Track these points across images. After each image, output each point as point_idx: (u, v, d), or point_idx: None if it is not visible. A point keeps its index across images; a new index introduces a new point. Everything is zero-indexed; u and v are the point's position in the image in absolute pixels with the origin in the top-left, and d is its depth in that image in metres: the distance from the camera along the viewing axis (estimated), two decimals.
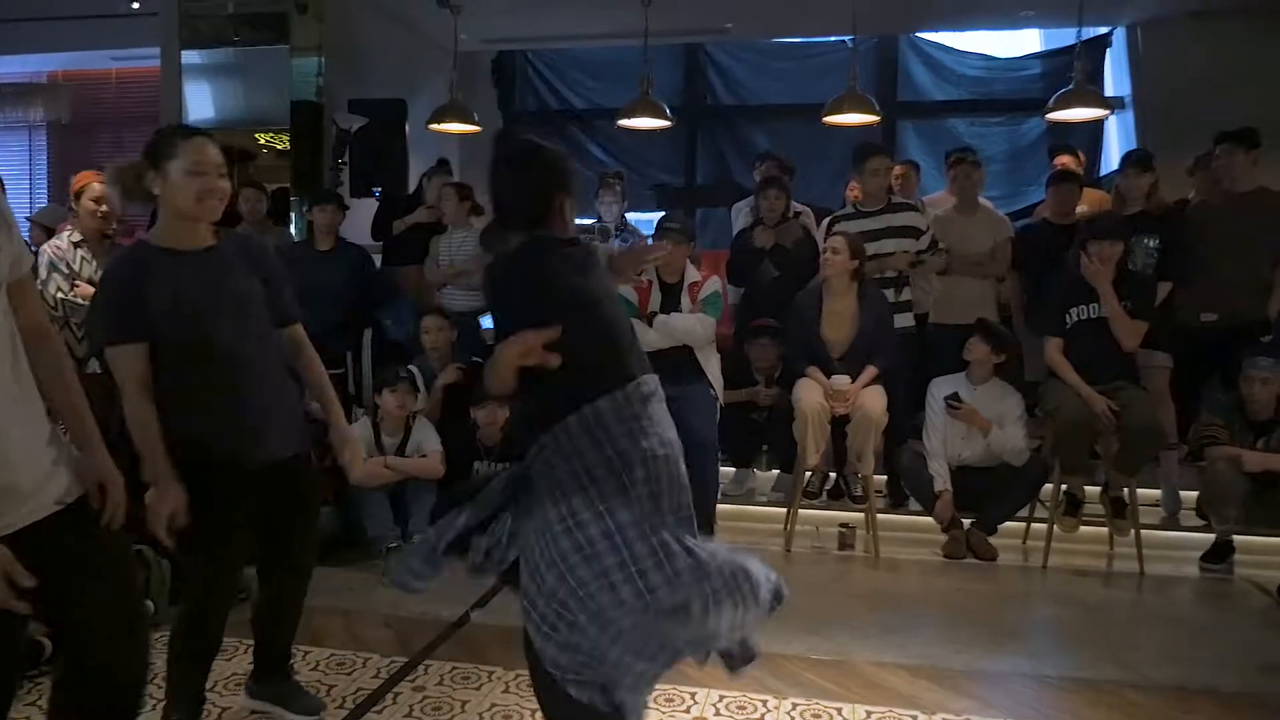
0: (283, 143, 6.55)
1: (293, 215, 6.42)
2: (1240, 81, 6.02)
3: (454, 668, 3.00)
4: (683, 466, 1.95)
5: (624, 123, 6.00)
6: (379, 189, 6.42)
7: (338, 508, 4.10)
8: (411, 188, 6.32)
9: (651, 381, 1.97)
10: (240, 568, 2.57)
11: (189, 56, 6.67)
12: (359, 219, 5.76)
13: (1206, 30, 6.80)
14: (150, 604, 3.16)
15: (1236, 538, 4.15)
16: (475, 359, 4.74)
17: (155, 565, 3.21)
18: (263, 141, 6.58)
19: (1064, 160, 5.84)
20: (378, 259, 5.61)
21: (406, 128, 6.66)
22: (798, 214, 5.42)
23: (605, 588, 1.78)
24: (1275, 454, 3.88)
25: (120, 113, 8.85)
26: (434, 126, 6.13)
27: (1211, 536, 4.21)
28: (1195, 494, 4.36)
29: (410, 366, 4.47)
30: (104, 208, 3.91)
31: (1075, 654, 3.23)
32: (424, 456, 4.14)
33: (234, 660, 2.93)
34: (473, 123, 6.13)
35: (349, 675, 2.95)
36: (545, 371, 1.79)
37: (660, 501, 1.86)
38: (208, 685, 2.56)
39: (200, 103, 6.75)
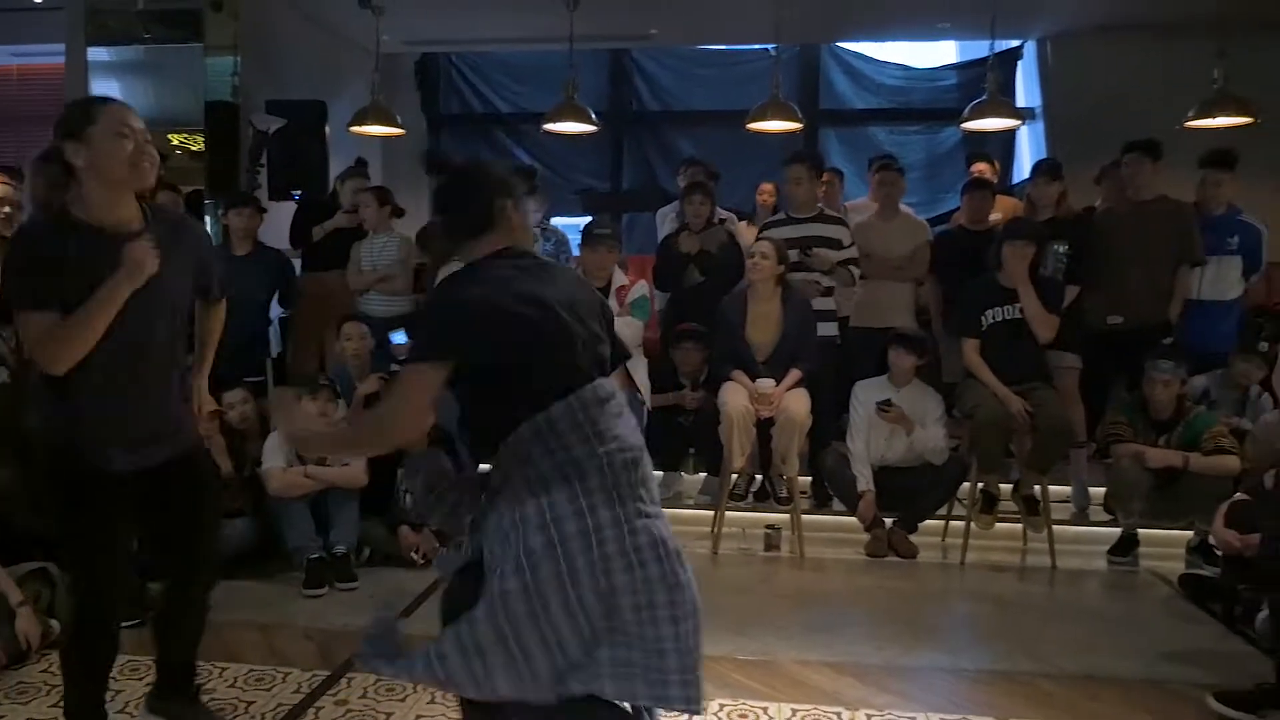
0: (197, 144, 6.36)
1: (208, 219, 6.24)
2: (1143, 94, 6.28)
3: (378, 680, 2.93)
4: (648, 466, 1.92)
5: (549, 127, 5.99)
6: (298, 192, 6.29)
7: (255, 518, 3.99)
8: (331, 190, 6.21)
9: (608, 385, 1.94)
10: (123, 577, 2.41)
11: (96, 54, 6.44)
12: (278, 222, 5.63)
13: (1112, 45, 7.08)
14: (54, 623, 3.04)
15: (1141, 531, 4.33)
16: (397, 368, 4.66)
17: (60, 582, 3.08)
18: (176, 143, 6.38)
19: (980, 168, 6.02)
20: (298, 264, 5.49)
21: (327, 130, 6.53)
22: (722, 219, 5.48)
23: (554, 591, 1.77)
24: (1175, 451, 4.06)
25: (22, 112, 8.46)
26: (355, 129, 6.03)
27: (1118, 531, 4.38)
28: (1103, 490, 4.53)
29: (330, 377, 4.38)
30: (5, 209, 3.74)
31: (991, 647, 3.32)
32: (346, 465, 4.06)
33: (147, 679, 2.83)
34: (395, 125, 6.04)
35: (268, 691, 2.87)
36: (486, 385, 1.80)
37: (623, 506, 1.83)
38: (118, 706, 2.46)
39: None
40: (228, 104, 6.38)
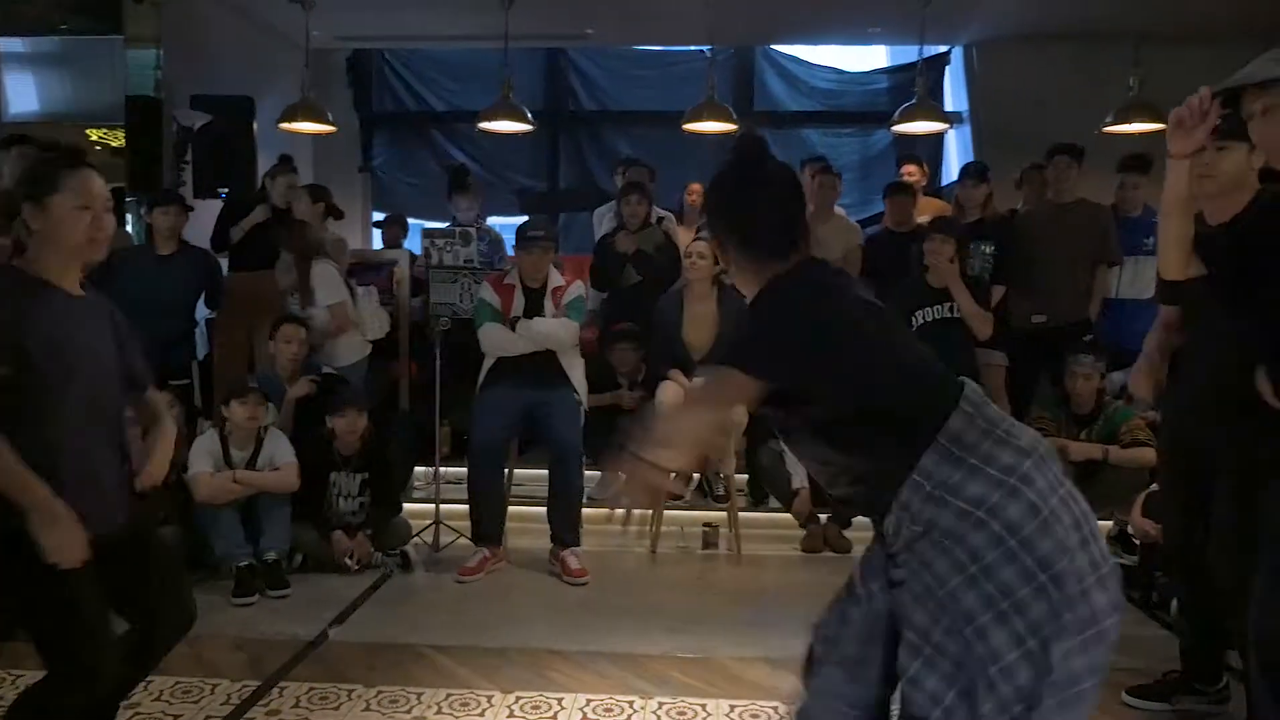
0: (117, 140, 6.15)
1: (129, 217, 6.05)
2: (1065, 100, 6.47)
3: (311, 689, 2.89)
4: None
5: (485, 126, 5.94)
6: (225, 190, 6.13)
7: (181, 526, 3.88)
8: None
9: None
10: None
11: (8, 44, 6.20)
12: (204, 221, 5.48)
13: (1035, 52, 7.28)
14: None
15: None
16: (328, 370, 4.58)
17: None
18: (94, 138, 6.17)
19: (910, 169, 6.13)
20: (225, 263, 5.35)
21: (255, 126, 6.38)
22: (660, 219, 5.50)
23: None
24: (1096, 444, 4.20)
25: None
26: (285, 125, 5.90)
27: None
28: None
29: (257, 379, 4.28)
30: None
31: None
32: (277, 469, 3.98)
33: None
34: (327, 122, 5.93)
35: (196, 704, 2.80)
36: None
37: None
38: None
39: (22, 95, 6.27)
40: (150, 99, 6.18)
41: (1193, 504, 2.61)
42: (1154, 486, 3.73)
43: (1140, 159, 5.01)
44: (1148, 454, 4.11)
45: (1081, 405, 4.29)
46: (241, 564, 3.74)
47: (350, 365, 4.71)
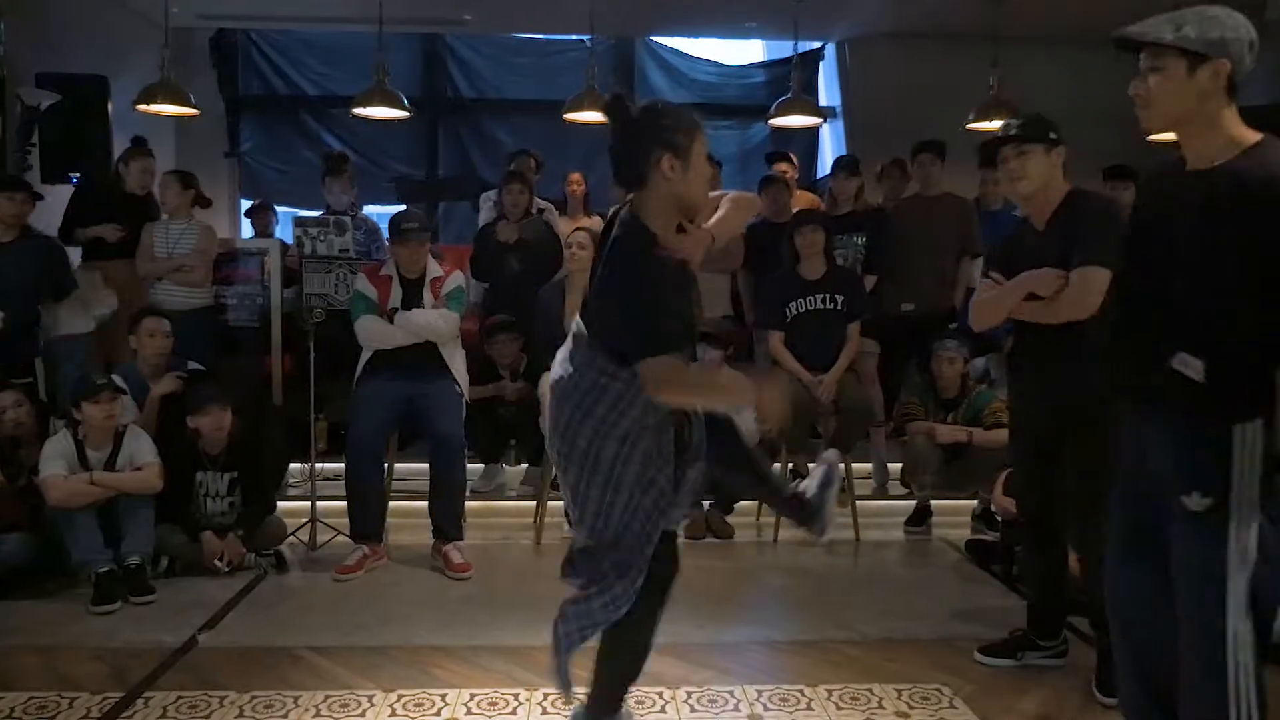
0: None
1: None
2: (932, 96, 6.74)
3: (179, 697, 2.76)
4: None
5: (359, 111, 5.78)
6: (76, 175, 5.77)
7: (33, 532, 3.65)
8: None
9: None
10: None
11: None
12: (54, 206, 5.14)
13: (903, 50, 7.58)
14: None
15: (933, 502, 4.68)
16: (195, 366, 4.37)
17: None
18: None
19: (781, 167, 6.25)
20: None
21: (110, 107, 6.03)
22: (541, 210, 5.47)
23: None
24: (961, 427, 4.41)
25: None
26: (143, 107, 5.59)
27: (913, 503, 4.72)
28: (899, 465, 4.86)
29: (113, 375, 4.05)
30: None
31: (802, 619, 3.50)
32: (138, 469, 3.78)
33: None
34: (189, 105, 5.65)
35: (53, 719, 2.64)
36: None
37: None
38: None
39: None
40: None
41: (1039, 475, 2.88)
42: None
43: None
44: (1007, 435, 4.35)
45: (947, 389, 4.49)
46: (101, 570, 3.54)
47: (67, 337, 4.63)
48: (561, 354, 2.21)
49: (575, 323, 2.20)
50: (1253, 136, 1.86)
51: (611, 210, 2.20)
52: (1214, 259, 1.81)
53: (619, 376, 2.09)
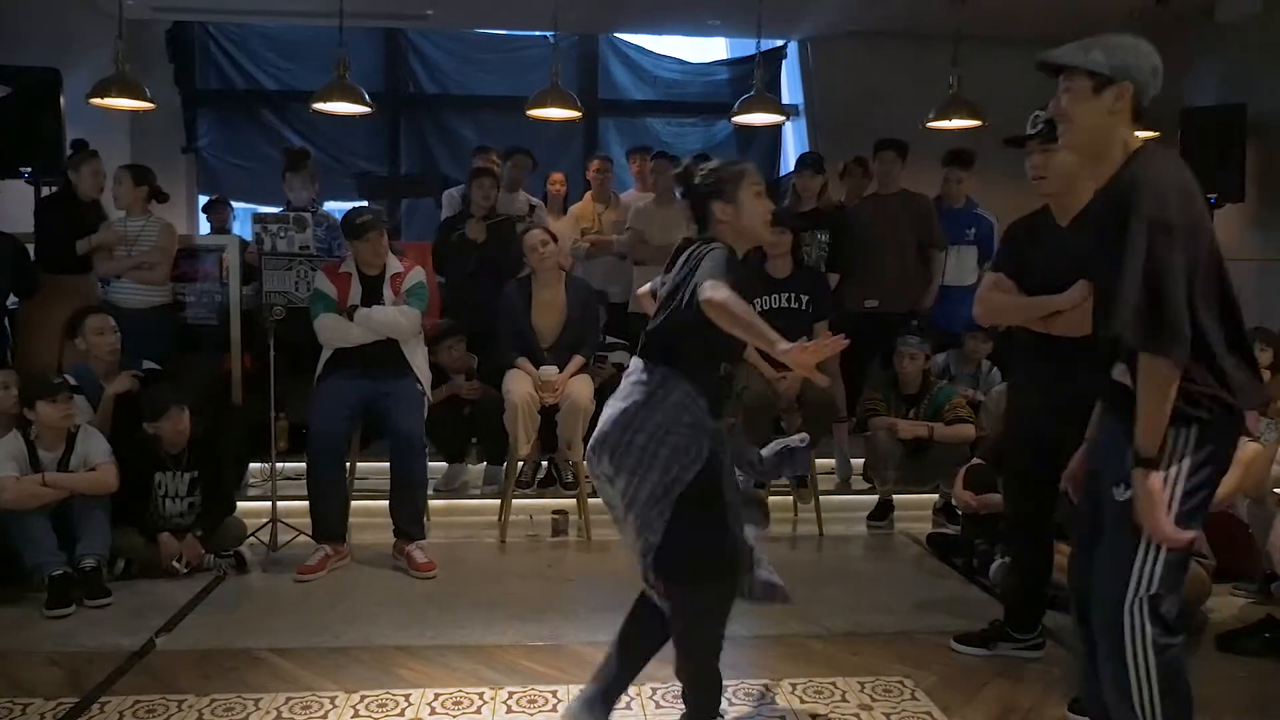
0: None
1: None
2: (893, 95, 6.80)
3: (137, 702, 2.71)
4: None
5: (319, 107, 5.68)
6: (29, 169, 5.64)
7: None
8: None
9: None
10: None
11: None
12: (4, 201, 5.03)
13: (865, 48, 7.63)
14: None
15: (895, 497, 4.73)
16: (151, 365, 4.30)
17: None
18: None
19: None
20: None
21: (62, 100, 5.90)
22: (532, 207, 5.54)
23: None
24: (922, 422, 4.46)
25: None
26: (97, 100, 5.46)
27: (876, 497, 4.76)
28: (862, 461, 4.91)
29: (64, 375, 3.96)
30: None
31: (765, 613, 3.44)
32: (92, 470, 3.70)
33: None
34: (144, 99, 5.52)
35: None
36: None
37: None
38: None
39: None
40: None
41: (1036, 478, 2.84)
42: (975, 460, 4.01)
43: (963, 154, 5.34)
44: (968, 430, 4.41)
45: (909, 385, 4.54)
46: (55, 573, 3.46)
47: None
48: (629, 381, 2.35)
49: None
50: (1136, 144, 1.98)
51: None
52: (1111, 265, 1.88)
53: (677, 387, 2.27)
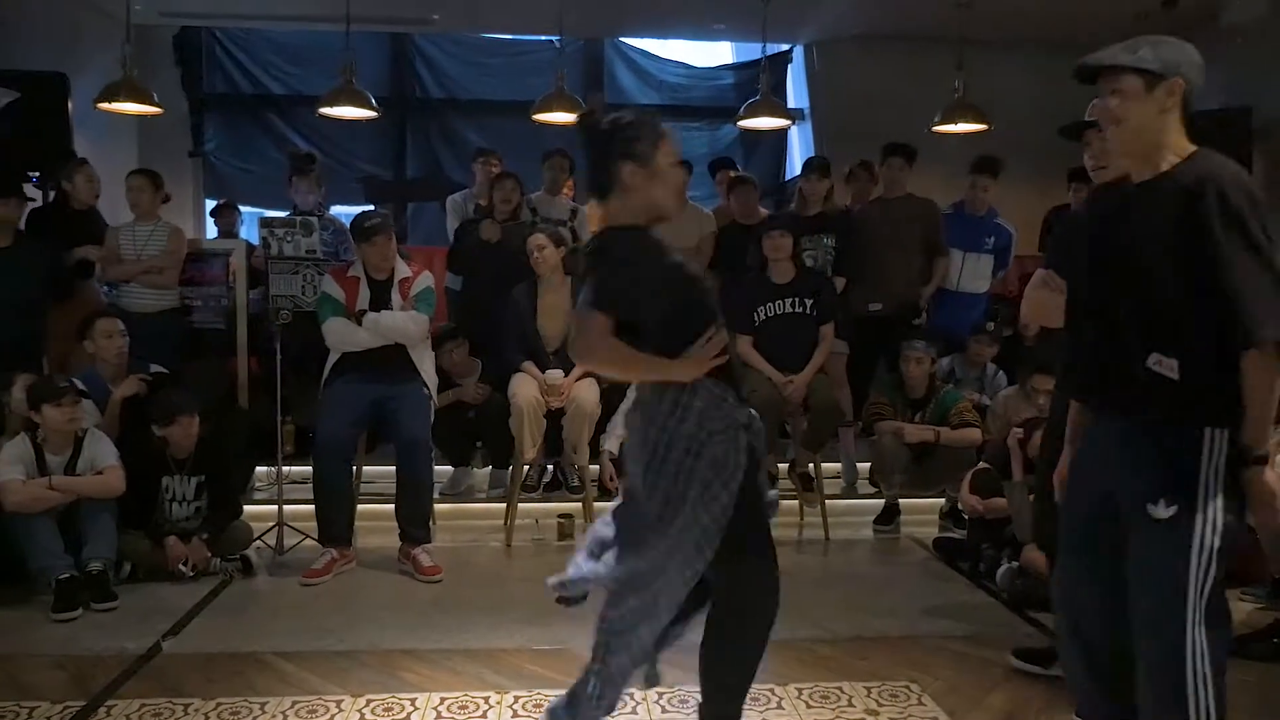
0: None
1: None
2: (898, 99, 6.80)
3: (143, 705, 2.72)
4: None
5: (326, 111, 5.72)
6: (36, 175, 5.66)
7: None
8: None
9: None
10: None
11: None
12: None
13: (870, 52, 7.63)
14: None
15: (901, 501, 4.72)
16: (158, 369, 4.31)
17: None
18: None
19: (728, 175, 6.24)
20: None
21: (70, 105, 5.92)
22: (574, 211, 5.54)
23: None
24: (928, 426, 4.45)
25: None
26: (105, 105, 5.49)
27: (882, 501, 4.76)
28: (868, 465, 4.90)
29: (73, 379, 3.97)
30: None
31: None
32: (99, 473, 3.71)
33: None
34: (152, 103, 5.56)
35: None
36: None
37: None
38: None
39: None
40: None
41: None
42: (981, 464, 4.00)
43: (992, 162, 5.28)
44: (974, 434, 4.40)
45: (915, 389, 4.53)
46: (62, 576, 3.47)
47: None
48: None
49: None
50: (1191, 148, 1.95)
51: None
52: (1165, 261, 1.87)
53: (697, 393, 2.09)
